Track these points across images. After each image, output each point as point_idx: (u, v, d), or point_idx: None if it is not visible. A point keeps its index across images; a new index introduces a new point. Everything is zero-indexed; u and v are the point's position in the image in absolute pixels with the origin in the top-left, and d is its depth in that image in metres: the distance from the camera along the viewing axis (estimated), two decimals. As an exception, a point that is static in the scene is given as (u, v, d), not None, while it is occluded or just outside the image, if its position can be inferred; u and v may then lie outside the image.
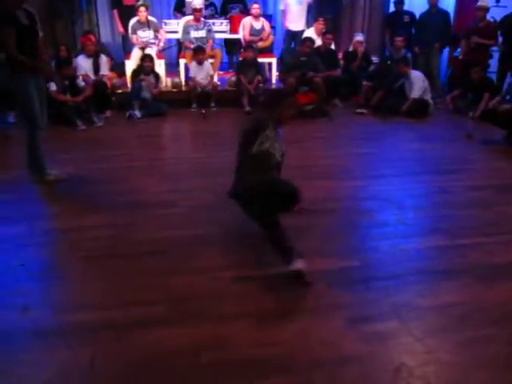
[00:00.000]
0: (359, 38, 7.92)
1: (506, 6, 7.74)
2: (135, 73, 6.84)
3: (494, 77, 7.38)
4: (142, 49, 7.15)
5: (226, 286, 2.68)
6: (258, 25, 7.72)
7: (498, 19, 7.57)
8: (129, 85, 7.04)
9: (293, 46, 8.31)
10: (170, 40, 8.22)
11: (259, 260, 2.97)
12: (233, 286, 2.68)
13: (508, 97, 5.68)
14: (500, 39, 7.44)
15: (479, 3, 7.42)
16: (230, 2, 8.50)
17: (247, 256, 3.02)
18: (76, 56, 6.86)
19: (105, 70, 6.81)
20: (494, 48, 7.56)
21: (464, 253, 3.11)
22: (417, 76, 6.90)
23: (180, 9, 8.21)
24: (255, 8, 7.70)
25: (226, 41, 8.54)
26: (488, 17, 7.48)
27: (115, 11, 7.86)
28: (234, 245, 3.15)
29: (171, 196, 3.92)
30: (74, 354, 2.17)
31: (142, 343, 2.24)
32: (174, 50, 8.61)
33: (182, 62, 7.43)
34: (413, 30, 8.14)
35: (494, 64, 7.60)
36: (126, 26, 7.50)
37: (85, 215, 3.58)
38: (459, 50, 7.92)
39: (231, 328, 2.34)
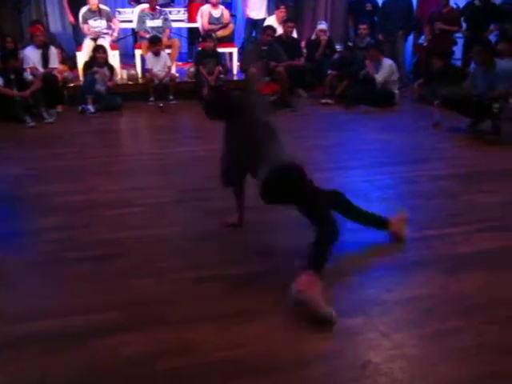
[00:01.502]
0: (322, 26, 7.73)
1: (468, -8, 7.68)
2: (88, 65, 6.52)
3: (458, 64, 7.32)
4: (95, 39, 6.82)
5: (187, 288, 2.58)
6: (217, 13, 7.47)
7: (461, 6, 7.52)
8: (81, 78, 6.72)
9: (254, 34, 8.10)
10: (124, 30, 7.88)
11: (221, 260, 2.87)
12: (194, 288, 2.58)
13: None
14: (464, 26, 7.38)
15: (442, -12, 7.35)
16: None
17: (208, 256, 2.91)
18: (23, 47, 6.49)
19: (55, 62, 6.45)
20: (459, 35, 7.50)
21: (431, 244, 3.08)
22: (388, 63, 6.80)
23: None
24: (214, -4, 7.43)
25: (189, 30, 8.25)
26: (451, 3, 7.42)
27: (64, -1, 7.47)
28: (195, 244, 3.04)
29: (128, 194, 3.76)
30: (26, 365, 2.03)
31: (98, 351, 2.11)
32: (130, 40, 8.29)
33: (138, 52, 7.13)
34: (375, 18, 8.01)
35: (458, 51, 7.54)
36: (76, 15, 7.14)
37: (36, 218, 3.39)
38: (423, 37, 7.84)
39: (193, 331, 2.25)
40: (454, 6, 7.52)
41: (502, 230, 3.27)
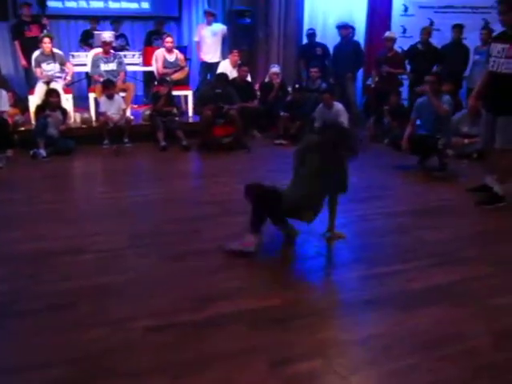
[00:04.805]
0: (275, 69, 7.95)
1: (411, 36, 8.11)
2: (40, 108, 6.40)
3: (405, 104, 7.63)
4: (47, 83, 6.72)
5: (139, 338, 2.49)
6: (171, 57, 7.55)
7: (406, 48, 7.91)
8: (33, 121, 6.59)
9: (209, 77, 8.23)
10: (78, 73, 7.86)
11: (172, 307, 2.79)
12: (146, 338, 2.50)
13: (419, 121, 5.79)
14: (408, 68, 7.75)
15: (386, 34, 7.74)
16: (155, 34, 8.46)
17: (160, 303, 2.83)
18: (-26, 91, 6.33)
19: (5, 105, 6.29)
20: (404, 76, 7.86)
21: (384, 281, 3.12)
22: (341, 108, 6.97)
23: (86, 41, 7.91)
24: (168, 42, 7.53)
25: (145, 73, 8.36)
26: (396, 47, 7.79)
27: (17, 42, 7.40)
28: (149, 292, 2.96)
29: (79, 241, 3.65)
30: None
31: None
32: (84, 83, 8.25)
33: (92, 96, 7.08)
34: (326, 62, 8.31)
35: (404, 92, 7.88)
36: (29, 59, 7.07)
37: (-19, 270, 3.22)
38: (370, 79, 8.17)
39: (144, 384, 2.14)
40: (399, 50, 7.90)
41: (452, 264, 3.36)
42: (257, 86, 7.99)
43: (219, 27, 8.27)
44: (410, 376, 2.24)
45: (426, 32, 7.50)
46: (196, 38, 8.40)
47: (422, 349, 2.43)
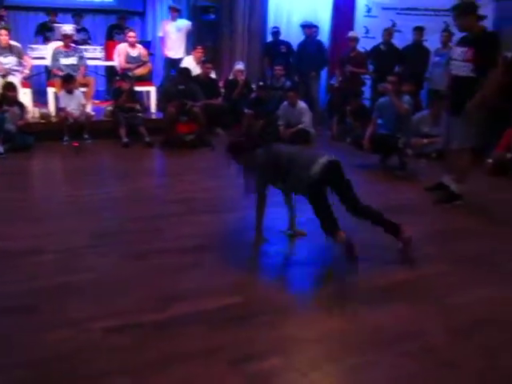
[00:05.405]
0: (240, 66, 7.95)
1: (374, 37, 8.23)
2: (-4, 103, 6.19)
3: (367, 103, 7.75)
4: (4, 76, 6.50)
5: (99, 339, 2.45)
6: (134, 52, 7.44)
7: (369, 49, 8.03)
8: (-11, 117, 6.34)
9: (173, 73, 8.14)
10: (37, 66, 7.63)
11: (134, 307, 2.75)
12: (107, 339, 2.45)
13: (380, 120, 5.89)
14: (371, 68, 7.87)
15: (349, 34, 7.84)
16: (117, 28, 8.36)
17: (121, 303, 2.79)
18: None
19: (-41, 100, 6.08)
20: (367, 76, 7.98)
21: (345, 278, 3.16)
22: (305, 106, 7.03)
23: (43, 33, 7.69)
24: (131, 36, 7.42)
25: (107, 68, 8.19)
26: (359, 47, 7.90)
27: (-29, 35, 7.10)
28: (110, 291, 2.91)
29: (39, 241, 3.55)
30: None
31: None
32: (43, 77, 8.02)
33: (51, 90, 6.89)
34: (290, 59, 8.36)
35: (366, 91, 8.00)
36: (-15, 52, 6.81)
37: None
38: (334, 78, 8.26)
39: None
40: (362, 50, 8.01)
41: (412, 262, 3.42)
42: (221, 83, 7.96)
43: (184, 23, 8.21)
44: (371, 372, 2.27)
45: (388, 33, 7.66)
46: (160, 34, 8.31)
47: (381, 345, 2.47)
